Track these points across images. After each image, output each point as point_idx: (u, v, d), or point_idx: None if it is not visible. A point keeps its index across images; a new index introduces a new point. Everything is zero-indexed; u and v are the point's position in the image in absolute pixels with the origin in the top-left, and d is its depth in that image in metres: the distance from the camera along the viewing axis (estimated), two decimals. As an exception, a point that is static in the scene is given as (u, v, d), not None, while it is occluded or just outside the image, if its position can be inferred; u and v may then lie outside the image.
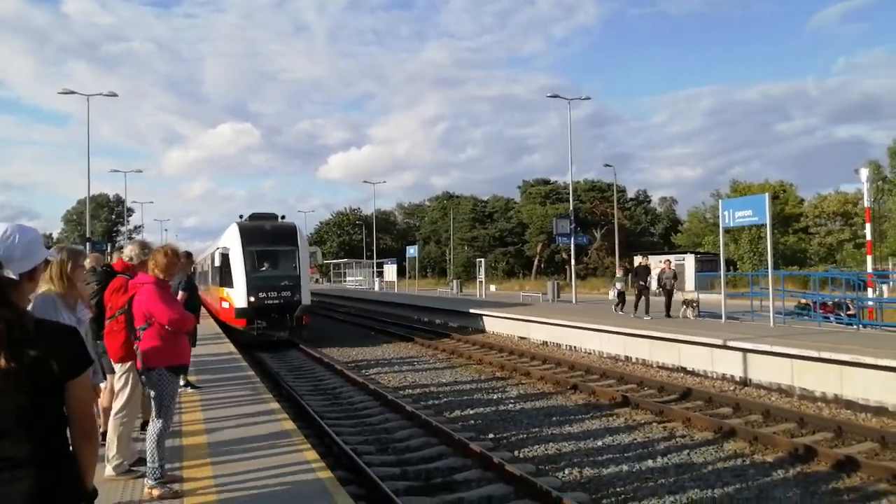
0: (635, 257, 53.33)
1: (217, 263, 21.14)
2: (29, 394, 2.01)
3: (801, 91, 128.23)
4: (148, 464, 5.16)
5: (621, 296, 21.89)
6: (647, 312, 19.81)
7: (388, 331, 25.29)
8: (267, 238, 20.81)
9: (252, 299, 19.36)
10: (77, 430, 2.16)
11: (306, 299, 20.31)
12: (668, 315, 19.85)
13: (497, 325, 23.82)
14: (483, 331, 24.29)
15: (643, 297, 20.02)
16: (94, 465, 2.24)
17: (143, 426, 6.50)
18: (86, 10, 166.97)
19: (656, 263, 48.80)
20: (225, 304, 20.48)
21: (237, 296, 19.60)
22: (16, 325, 2.04)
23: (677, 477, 7.91)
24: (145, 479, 5.19)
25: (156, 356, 5.14)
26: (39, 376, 2.03)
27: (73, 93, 34.46)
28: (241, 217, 22.17)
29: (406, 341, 22.05)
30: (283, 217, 22.87)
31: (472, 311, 25.60)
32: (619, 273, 24.28)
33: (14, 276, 2.19)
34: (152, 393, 5.21)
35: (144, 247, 6.34)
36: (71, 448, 2.16)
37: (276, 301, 19.64)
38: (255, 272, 19.91)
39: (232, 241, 20.58)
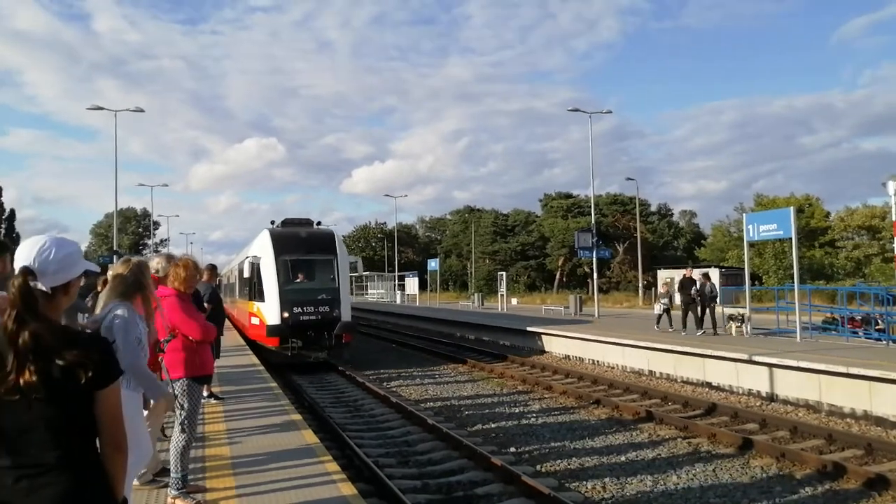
0: (659, 271, 52.95)
1: (246, 274, 19.06)
2: (57, 402, 2.04)
3: (826, 104, 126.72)
4: (171, 474, 5.21)
5: (667, 311, 20.35)
6: (698, 326, 18.25)
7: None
8: (302, 246, 18.62)
9: (286, 315, 17.27)
10: (106, 439, 2.17)
11: (347, 315, 17.97)
12: (714, 332, 18.31)
13: (533, 340, 23.72)
14: (512, 346, 24.18)
15: (690, 312, 18.60)
16: (124, 475, 2.24)
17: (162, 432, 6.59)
18: (115, 28, 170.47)
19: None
20: (255, 320, 18.30)
21: (269, 311, 17.55)
22: (44, 336, 2.07)
23: (702, 493, 7.79)
24: (168, 489, 5.24)
25: (180, 367, 5.22)
26: (68, 385, 2.06)
27: (101, 108, 35.11)
28: (272, 223, 19.87)
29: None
30: (318, 223, 20.65)
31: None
32: (661, 290, 22.43)
33: (45, 289, 2.23)
34: (176, 403, 5.26)
35: (171, 259, 6.43)
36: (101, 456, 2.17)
37: (313, 317, 17.53)
38: (288, 284, 17.81)
39: (263, 249, 18.42)
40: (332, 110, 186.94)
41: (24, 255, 2.26)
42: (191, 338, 5.31)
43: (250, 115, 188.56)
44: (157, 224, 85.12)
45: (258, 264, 18.25)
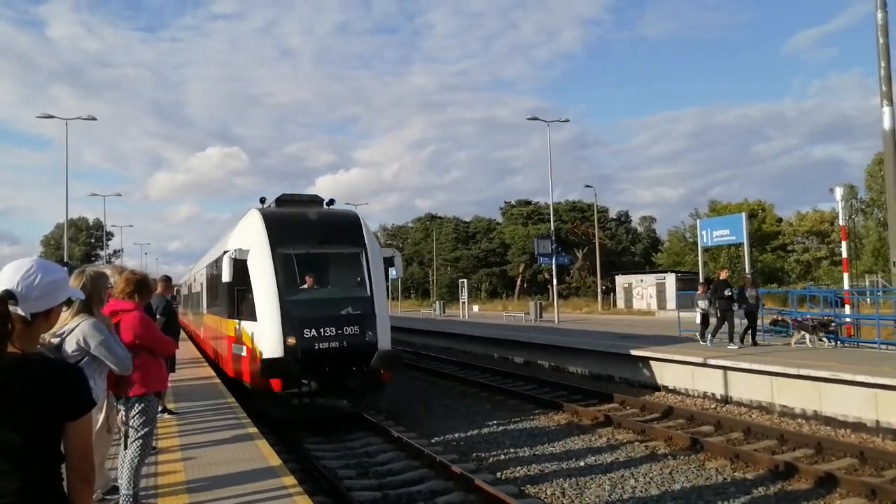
0: (617, 276, 53.74)
1: (225, 278, 11.88)
2: (25, 433, 1.98)
3: (778, 112, 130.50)
4: (122, 491, 5.07)
5: (705, 319, 16.96)
6: (731, 340, 15.58)
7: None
8: (313, 234, 12.07)
9: (292, 341, 10.87)
10: (74, 471, 2.11)
11: (385, 339, 11.55)
12: (753, 343, 15.86)
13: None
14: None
15: (726, 321, 15.79)
16: None
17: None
18: (72, 35, 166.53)
19: (641, 283, 49.31)
20: (239, 349, 11.82)
21: (264, 335, 11.02)
22: (15, 366, 2.02)
23: (660, 495, 7.90)
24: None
25: (139, 383, 5.14)
26: (38, 416, 2.01)
27: (51, 117, 34.21)
28: (262, 201, 13.05)
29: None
30: (331, 202, 13.58)
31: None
32: (699, 290, 17.88)
33: (25, 315, 2.14)
34: (132, 420, 5.15)
35: (122, 271, 6.34)
36: (66, 489, 2.11)
37: (336, 343, 11.08)
38: (295, 293, 11.45)
39: (253, 238, 11.85)
40: (294, 118, 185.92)
41: (7, 279, 2.17)
42: (157, 352, 5.36)
43: (211, 123, 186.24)
44: (110, 234, 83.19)
45: (244, 262, 11.61)
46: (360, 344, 11.18)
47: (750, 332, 16.02)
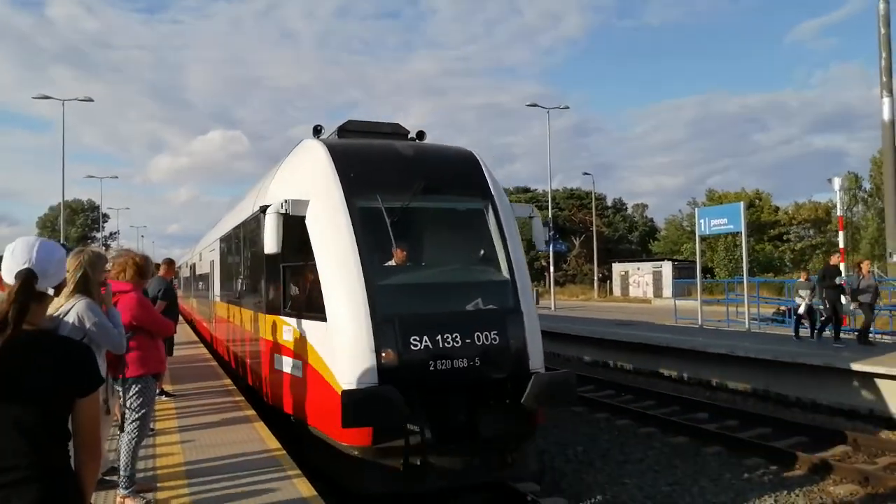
0: (614, 264, 53.81)
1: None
2: (36, 409, 2.03)
3: (779, 102, 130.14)
4: (121, 472, 5.08)
5: (811, 312, 14.76)
6: (862, 338, 13.41)
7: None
8: (409, 177, 7.15)
9: (390, 356, 6.12)
10: (83, 446, 2.17)
11: (538, 355, 6.77)
12: (863, 340, 13.34)
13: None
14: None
15: (835, 314, 13.84)
16: (94, 482, 2.26)
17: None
18: (71, 15, 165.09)
19: (637, 271, 49.35)
20: (290, 366, 7.22)
21: (342, 347, 6.24)
22: (29, 343, 2.07)
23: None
24: (118, 489, 5.11)
25: (137, 364, 5.16)
26: (52, 392, 2.05)
27: (48, 98, 34.00)
28: (316, 132, 8.33)
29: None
30: (420, 135, 8.87)
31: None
32: (801, 277, 15.52)
33: (45, 290, 2.20)
34: (129, 401, 5.17)
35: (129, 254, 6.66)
36: (74, 464, 2.17)
37: (464, 361, 6.29)
38: (388, 274, 6.87)
39: (312, 183, 7.21)
40: (295, 102, 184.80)
41: (21, 256, 2.21)
42: (155, 334, 5.38)
43: (211, 106, 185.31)
44: (106, 217, 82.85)
45: (300, 220, 6.95)
46: (502, 362, 6.41)
47: (831, 326, 13.88)
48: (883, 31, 17.89)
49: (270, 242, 6.71)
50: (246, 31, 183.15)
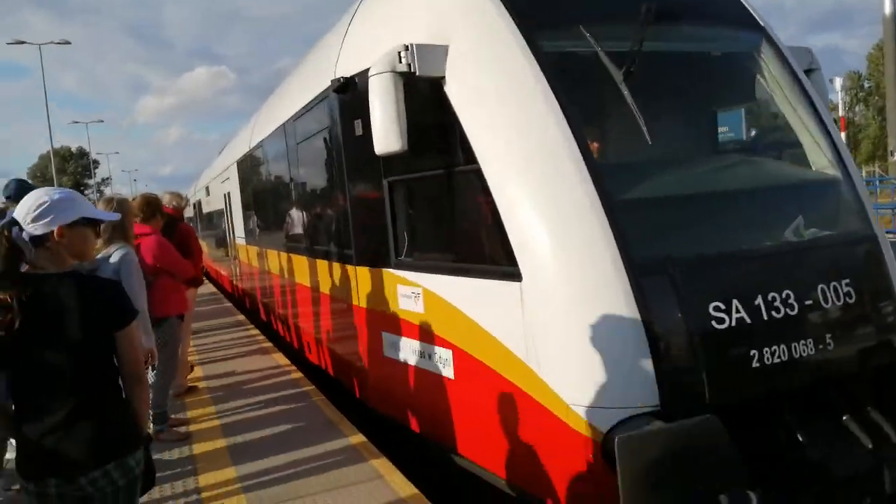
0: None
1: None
2: (78, 347, 2.12)
3: (776, 3, 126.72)
4: (153, 409, 5.14)
5: None
6: None
7: None
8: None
9: (670, 346, 2.93)
10: (128, 375, 2.29)
11: None
12: None
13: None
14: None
15: None
16: (147, 409, 2.42)
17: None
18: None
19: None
20: (424, 359, 4.00)
21: (568, 336, 3.00)
22: (56, 285, 2.15)
23: None
24: (151, 424, 5.19)
25: (166, 306, 5.16)
26: (89, 330, 2.13)
27: (23, 42, 32.95)
28: None
29: None
30: None
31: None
32: None
33: (38, 232, 2.20)
34: (157, 341, 5.20)
35: (180, 195, 7.26)
36: (124, 395, 2.30)
37: (809, 344, 3.12)
38: (630, 175, 3.41)
39: (445, 9, 3.71)
40: (277, 33, 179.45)
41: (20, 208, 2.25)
42: (177, 276, 5.35)
43: (192, 42, 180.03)
44: (96, 162, 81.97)
45: (438, 83, 3.58)
46: (870, 339, 3.41)
47: None
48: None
49: (385, 130, 3.48)
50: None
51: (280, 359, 7.48)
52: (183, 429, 5.27)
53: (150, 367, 5.14)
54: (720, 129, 4.60)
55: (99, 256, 3.97)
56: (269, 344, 8.47)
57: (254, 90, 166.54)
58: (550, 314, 3.07)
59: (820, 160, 3.88)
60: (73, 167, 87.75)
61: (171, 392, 5.61)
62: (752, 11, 4.29)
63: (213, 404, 5.94)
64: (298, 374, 6.67)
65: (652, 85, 3.61)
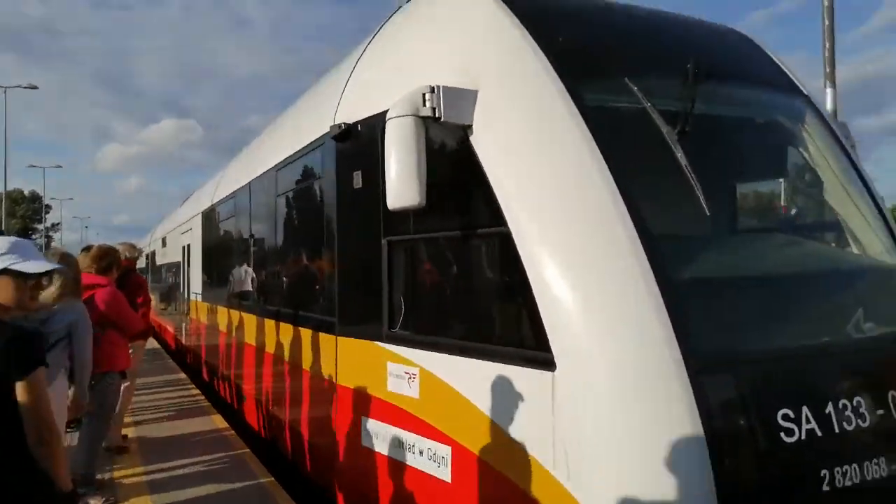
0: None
1: (306, 208, 5.29)
2: None
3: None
4: (79, 469, 4.90)
5: None
6: None
7: None
8: (670, 51, 3.52)
9: (733, 457, 2.43)
10: (30, 434, 2.06)
11: None
12: None
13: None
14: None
15: None
16: (60, 466, 2.15)
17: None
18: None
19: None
20: (414, 456, 3.35)
21: (619, 443, 2.44)
22: None
23: None
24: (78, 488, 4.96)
25: (108, 361, 5.02)
26: None
27: (-13, 85, 32.63)
28: None
29: None
30: None
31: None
32: None
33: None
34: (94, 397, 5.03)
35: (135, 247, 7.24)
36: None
37: (882, 463, 2.67)
38: (687, 252, 3.01)
39: (473, 49, 3.31)
40: (249, 91, 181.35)
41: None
42: (125, 330, 5.27)
43: (163, 94, 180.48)
44: (48, 207, 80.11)
45: (464, 132, 3.14)
46: None
47: None
48: (827, 22, 18.46)
49: (402, 182, 2.99)
50: (198, 18, 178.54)
51: (218, 421, 7.28)
52: (112, 496, 5.00)
53: (75, 425, 4.98)
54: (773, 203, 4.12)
55: (56, 307, 3.93)
56: (208, 403, 8.24)
57: (219, 146, 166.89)
58: (591, 415, 2.46)
59: (875, 245, 3.52)
60: (23, 210, 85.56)
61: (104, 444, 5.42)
62: (795, 79, 4.03)
63: (142, 464, 5.73)
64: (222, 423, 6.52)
65: (706, 149, 3.21)
